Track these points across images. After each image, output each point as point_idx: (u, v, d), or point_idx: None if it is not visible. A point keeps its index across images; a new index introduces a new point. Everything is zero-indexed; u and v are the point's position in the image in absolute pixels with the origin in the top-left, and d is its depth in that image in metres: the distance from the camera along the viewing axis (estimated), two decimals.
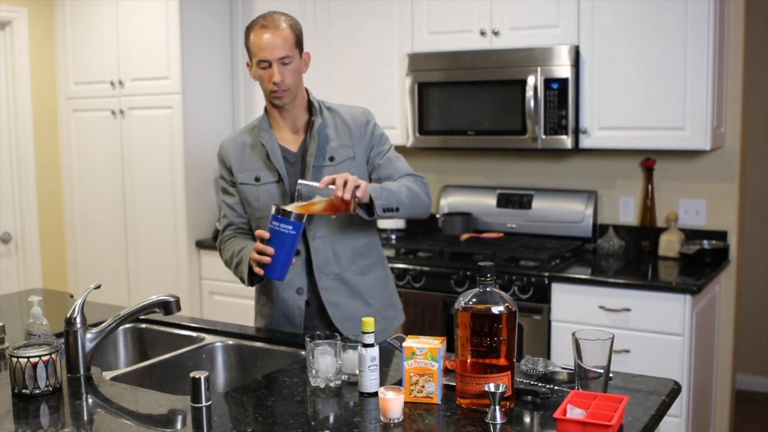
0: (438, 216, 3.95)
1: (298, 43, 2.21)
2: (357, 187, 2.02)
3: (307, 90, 2.32)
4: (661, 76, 3.20)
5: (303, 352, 2.05)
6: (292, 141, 2.30)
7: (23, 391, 1.74)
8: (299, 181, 2.07)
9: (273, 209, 2.00)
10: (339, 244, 2.27)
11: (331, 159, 2.24)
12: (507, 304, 1.61)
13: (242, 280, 2.23)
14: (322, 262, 2.26)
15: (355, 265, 2.30)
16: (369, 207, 2.13)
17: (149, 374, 2.03)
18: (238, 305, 4.00)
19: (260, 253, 2.03)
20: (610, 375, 1.71)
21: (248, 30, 2.21)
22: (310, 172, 2.22)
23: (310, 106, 2.30)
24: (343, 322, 2.28)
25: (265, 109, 2.33)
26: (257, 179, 2.27)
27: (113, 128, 4.29)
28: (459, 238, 3.69)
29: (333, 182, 2.02)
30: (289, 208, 2.00)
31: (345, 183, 2.00)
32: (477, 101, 3.52)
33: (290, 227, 1.97)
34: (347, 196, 2.00)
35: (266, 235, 2.02)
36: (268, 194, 2.26)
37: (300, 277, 2.27)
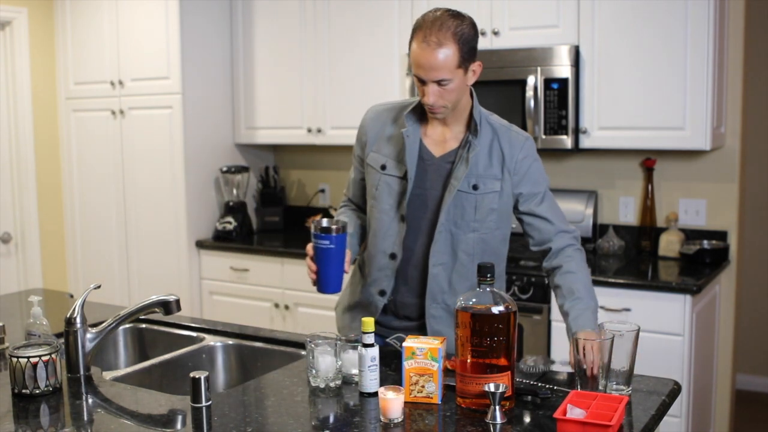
0: None
1: (464, 60, 1.93)
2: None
3: (472, 96, 2.07)
4: (661, 76, 3.20)
5: (303, 352, 2.05)
6: (439, 143, 2.09)
7: (23, 391, 1.74)
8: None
9: (312, 227, 1.93)
10: (456, 276, 2.08)
11: (475, 188, 2.03)
12: (507, 304, 1.61)
13: None
14: (437, 290, 2.09)
15: None
16: None
17: (149, 374, 2.03)
18: (238, 305, 4.01)
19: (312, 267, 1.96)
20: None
21: (413, 32, 1.94)
22: (452, 195, 2.03)
23: (470, 119, 2.07)
24: None
25: None
26: (383, 167, 2.10)
27: (113, 128, 4.30)
28: None
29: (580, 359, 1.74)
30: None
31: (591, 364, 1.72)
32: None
33: (327, 242, 1.89)
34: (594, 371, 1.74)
35: (310, 252, 1.95)
36: (387, 186, 2.09)
37: (387, 281, 2.12)
